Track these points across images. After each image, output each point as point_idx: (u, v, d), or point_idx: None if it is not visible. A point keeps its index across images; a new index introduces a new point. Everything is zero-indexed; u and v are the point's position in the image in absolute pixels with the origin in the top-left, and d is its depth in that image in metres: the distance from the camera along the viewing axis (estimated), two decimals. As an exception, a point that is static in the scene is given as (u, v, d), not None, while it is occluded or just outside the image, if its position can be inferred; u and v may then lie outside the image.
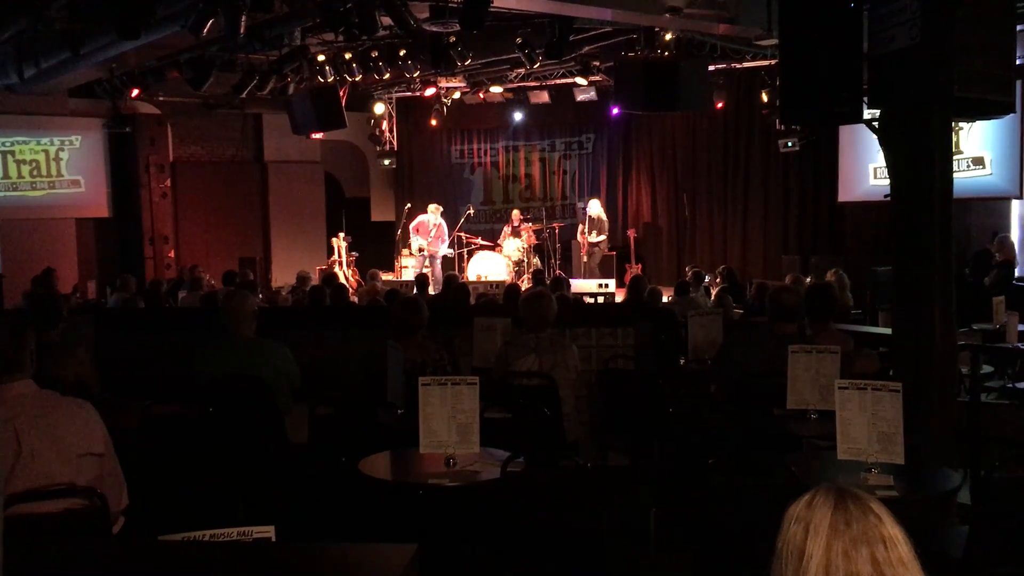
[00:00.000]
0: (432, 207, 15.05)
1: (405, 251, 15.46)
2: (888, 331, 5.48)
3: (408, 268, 15.19)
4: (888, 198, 5.12)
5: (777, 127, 13.95)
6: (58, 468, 3.00)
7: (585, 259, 15.03)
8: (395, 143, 17.36)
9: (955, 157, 9.75)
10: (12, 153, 14.47)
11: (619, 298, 13.06)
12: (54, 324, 5.26)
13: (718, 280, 11.74)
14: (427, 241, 14.74)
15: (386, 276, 14.57)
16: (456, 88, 15.94)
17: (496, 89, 15.58)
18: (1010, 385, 7.05)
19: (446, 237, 14.98)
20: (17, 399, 3.06)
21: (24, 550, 1.69)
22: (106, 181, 15.13)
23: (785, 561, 1.74)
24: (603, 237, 15.08)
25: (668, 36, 11.38)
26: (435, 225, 14.85)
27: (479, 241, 15.71)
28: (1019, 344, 7.19)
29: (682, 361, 6.68)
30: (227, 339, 5.26)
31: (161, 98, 14.66)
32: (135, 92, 13.68)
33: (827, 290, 5.63)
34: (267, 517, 2.20)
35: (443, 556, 3.40)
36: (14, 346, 3.10)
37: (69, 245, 14.79)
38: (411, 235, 15.07)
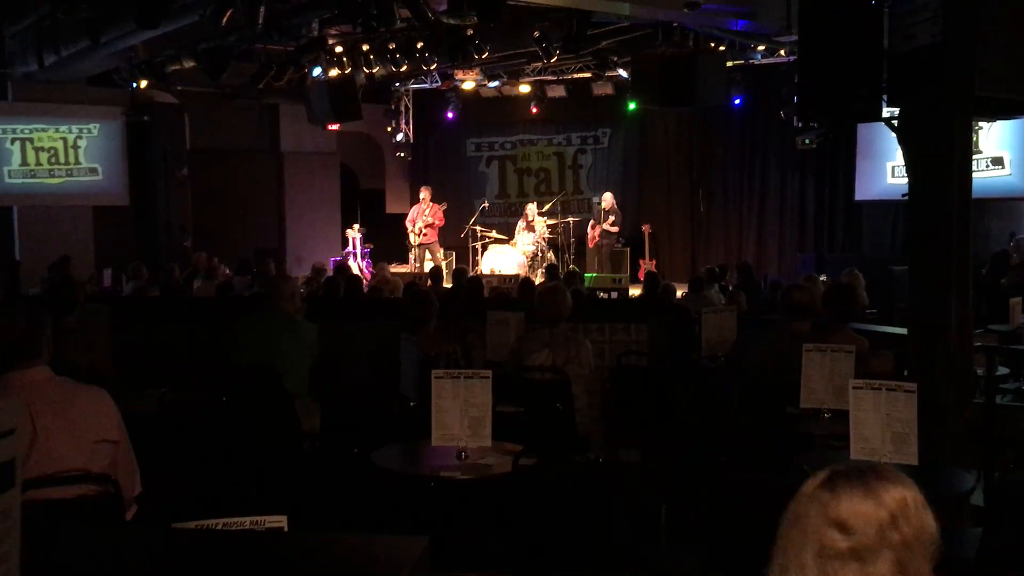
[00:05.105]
0: (423, 192, 15.13)
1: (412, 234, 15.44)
2: (904, 331, 5.44)
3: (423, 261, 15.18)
4: (906, 197, 5.09)
5: (795, 124, 13.88)
6: (72, 454, 3.02)
7: (592, 247, 14.98)
8: (411, 135, 17.37)
9: (974, 157, 9.67)
10: (31, 140, 14.52)
11: (633, 293, 13.04)
12: (71, 311, 5.32)
13: (731, 276, 11.71)
14: (421, 227, 14.74)
15: (400, 269, 14.57)
16: (473, 81, 15.92)
17: (513, 83, 15.56)
18: (1026, 387, 6.99)
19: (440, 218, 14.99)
20: (33, 385, 3.07)
21: (36, 536, 1.70)
22: (123, 169, 15.16)
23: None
24: (616, 228, 15.05)
25: (686, 31, 11.34)
26: (428, 207, 14.83)
27: (493, 235, 15.68)
28: (1035, 346, 7.14)
29: (695, 358, 6.66)
30: (268, 312, 5.54)
31: (179, 87, 14.69)
32: (153, 81, 13.72)
33: (851, 291, 5.59)
34: (279, 507, 2.21)
35: (454, 549, 3.40)
36: (31, 332, 3.11)
37: (86, 233, 14.83)
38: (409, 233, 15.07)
